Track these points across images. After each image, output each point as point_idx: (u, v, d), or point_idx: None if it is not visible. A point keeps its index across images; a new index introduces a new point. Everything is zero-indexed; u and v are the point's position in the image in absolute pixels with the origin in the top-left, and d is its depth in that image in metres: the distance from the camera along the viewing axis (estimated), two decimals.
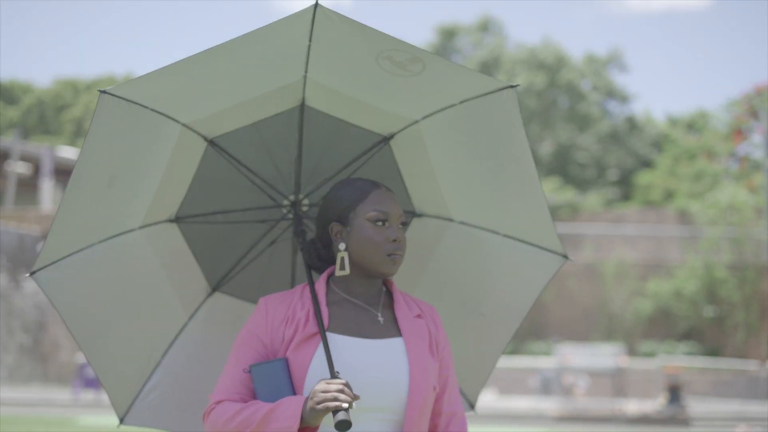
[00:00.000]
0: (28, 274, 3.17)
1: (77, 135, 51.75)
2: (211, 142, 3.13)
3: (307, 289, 2.84)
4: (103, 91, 2.81)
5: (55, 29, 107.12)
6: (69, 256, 3.14)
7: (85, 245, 3.15)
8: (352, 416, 2.52)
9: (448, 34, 50.62)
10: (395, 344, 2.75)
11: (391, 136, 3.20)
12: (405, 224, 2.86)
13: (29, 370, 28.62)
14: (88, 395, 23.70)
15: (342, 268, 2.79)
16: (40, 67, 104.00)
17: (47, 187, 33.79)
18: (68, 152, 38.25)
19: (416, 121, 3.13)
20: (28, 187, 37.03)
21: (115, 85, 2.85)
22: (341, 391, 2.50)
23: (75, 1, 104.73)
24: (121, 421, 3.41)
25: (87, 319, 3.28)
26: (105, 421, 17.84)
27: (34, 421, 17.08)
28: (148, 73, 2.78)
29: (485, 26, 50.93)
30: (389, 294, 2.89)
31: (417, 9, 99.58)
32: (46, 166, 33.65)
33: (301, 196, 3.25)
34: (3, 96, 55.30)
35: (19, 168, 35.34)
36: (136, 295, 3.32)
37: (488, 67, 46.28)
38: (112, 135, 2.93)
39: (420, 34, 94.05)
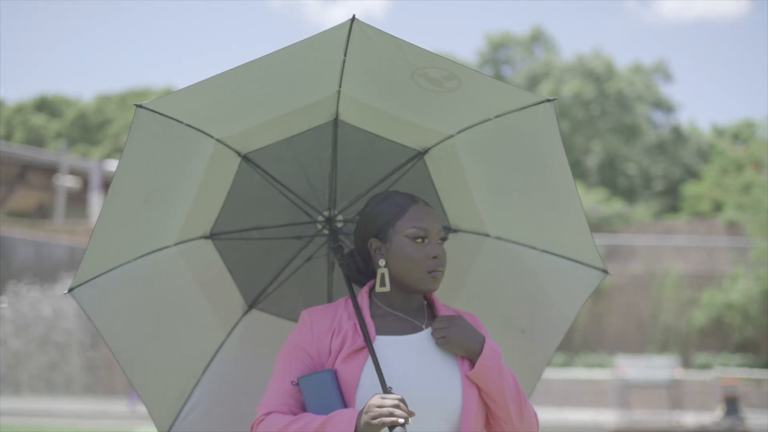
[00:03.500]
0: (65, 292, 3.14)
1: (118, 150, 52.23)
2: (245, 158, 3.10)
3: (350, 302, 2.82)
4: (139, 106, 2.79)
5: (96, 44, 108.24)
6: (106, 272, 3.12)
7: (121, 262, 3.13)
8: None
9: (498, 45, 50.62)
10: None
11: (426, 151, 3.16)
12: (444, 239, 2.82)
13: (86, 382, 28.80)
14: (144, 407, 23.65)
15: (383, 284, 2.77)
16: (81, 81, 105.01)
17: (96, 201, 34.05)
18: (115, 166, 38.42)
19: (451, 136, 3.08)
20: (78, 201, 37.37)
21: (150, 99, 2.84)
22: (396, 407, 2.48)
23: (113, 18, 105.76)
24: None
25: (125, 336, 3.26)
26: None
27: None
28: (183, 88, 2.78)
29: (536, 37, 50.85)
30: (430, 306, 2.87)
31: (467, 14, 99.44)
32: (95, 180, 33.92)
33: (335, 212, 3.22)
34: (47, 109, 55.94)
35: (68, 182, 35.66)
36: (172, 313, 3.30)
37: (538, 78, 46.21)
38: (148, 150, 2.92)
39: (470, 41, 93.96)
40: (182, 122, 2.88)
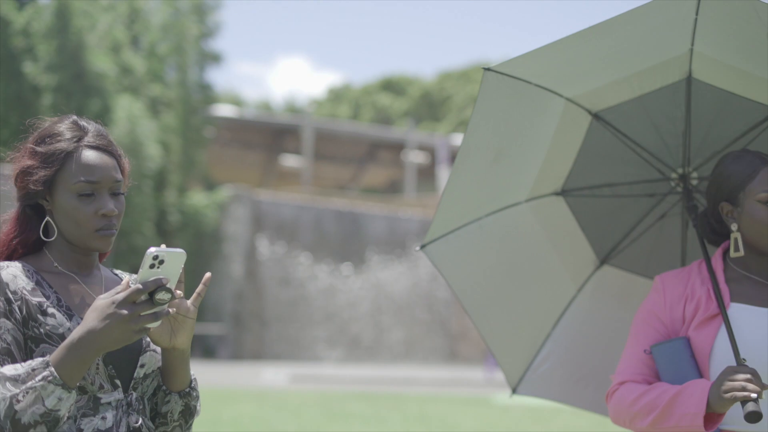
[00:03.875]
0: (417, 248, 3.36)
1: (461, 124, 53.26)
2: (596, 116, 3.14)
3: (704, 265, 2.78)
4: (488, 69, 2.89)
5: (436, 23, 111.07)
6: (457, 229, 3.29)
7: (472, 219, 3.28)
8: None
9: None
10: None
11: None
12: None
13: (443, 350, 29.71)
14: (501, 374, 23.89)
15: (736, 249, 2.71)
16: (422, 60, 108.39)
17: (443, 175, 34.93)
18: (460, 140, 39.23)
19: None
20: (426, 175, 38.55)
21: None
22: (749, 381, 2.41)
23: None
24: (514, 391, 3.51)
25: (476, 290, 3.42)
26: (520, 401, 17.98)
27: (449, 401, 17.55)
28: (529, 52, 2.84)
29: None
30: None
31: None
32: (442, 154, 34.78)
33: (689, 170, 3.17)
34: (392, 89, 58.15)
35: (416, 158, 36.85)
36: (524, 267, 3.41)
37: None
38: (496, 111, 3.03)
39: None
40: (531, 83, 2.98)
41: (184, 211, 27.51)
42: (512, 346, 3.49)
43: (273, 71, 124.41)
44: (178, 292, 2.11)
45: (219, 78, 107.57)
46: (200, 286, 2.18)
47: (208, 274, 2.19)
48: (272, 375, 21.92)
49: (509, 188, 3.27)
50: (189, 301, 2.18)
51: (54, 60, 26.03)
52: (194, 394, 2.30)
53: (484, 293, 3.42)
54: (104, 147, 2.23)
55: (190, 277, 2.04)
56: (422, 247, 3.32)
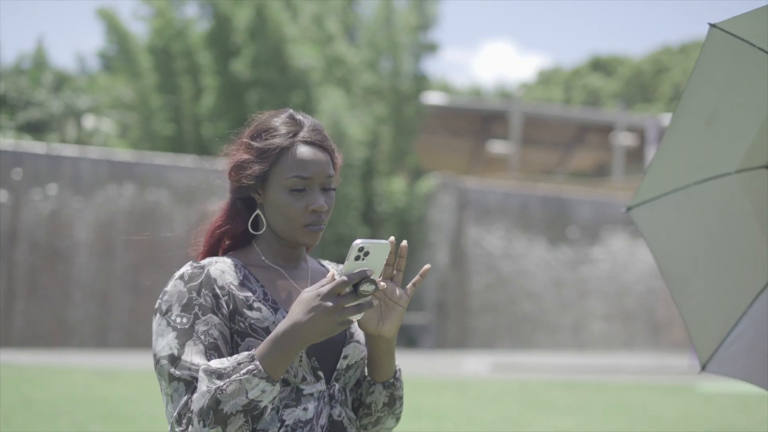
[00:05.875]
0: (623, 210, 3.29)
1: (674, 99, 51.60)
2: None
3: None
4: (713, 25, 2.71)
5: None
6: (664, 195, 3.17)
7: (680, 185, 3.15)
8: None
9: None
10: None
11: None
12: None
13: (644, 337, 29.11)
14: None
15: None
16: (632, 38, 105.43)
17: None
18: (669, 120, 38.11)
19: None
20: (635, 158, 37.68)
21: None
22: None
23: None
24: (703, 367, 3.36)
25: (676, 258, 3.30)
26: (727, 389, 17.47)
27: (652, 389, 17.23)
28: (758, 8, 2.64)
29: None
30: None
31: None
32: (651, 135, 33.89)
33: None
34: (601, 69, 57.06)
35: (625, 140, 36.09)
36: (726, 241, 3.26)
37: None
38: (717, 71, 2.85)
39: None
40: (754, 45, 2.75)
41: (391, 200, 28.05)
42: (706, 321, 3.37)
43: (478, 57, 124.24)
44: (382, 283, 2.09)
45: (434, 67, 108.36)
46: (417, 277, 2.17)
47: (427, 266, 2.16)
48: (474, 364, 22.02)
49: (720, 156, 3.11)
50: (402, 290, 2.16)
51: (259, 55, 27.11)
52: (398, 384, 2.29)
53: (684, 264, 3.32)
54: (319, 142, 2.23)
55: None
56: (628, 209, 3.23)
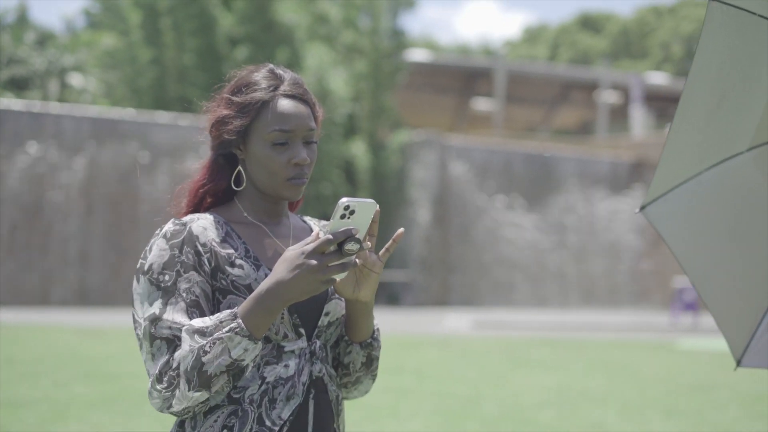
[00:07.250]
0: (637, 210, 3.11)
1: (664, 60, 51.47)
2: None
3: None
4: None
5: None
6: (676, 187, 3.02)
7: (692, 174, 2.99)
8: None
9: None
10: None
11: None
12: None
13: (625, 295, 29.30)
14: (687, 319, 23.65)
15: None
16: None
17: (637, 115, 34.07)
18: (656, 78, 38.21)
19: None
20: (618, 115, 37.68)
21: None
22: None
23: None
24: (738, 363, 3.17)
25: (698, 252, 3.14)
26: (704, 345, 17.60)
27: (632, 346, 17.36)
28: None
29: None
30: None
31: None
32: (635, 94, 33.88)
33: None
34: (590, 27, 56.82)
35: (609, 97, 36.06)
36: (746, 226, 3.09)
37: None
38: (722, 47, 2.71)
39: None
40: (755, 14, 2.65)
41: (372, 155, 27.98)
42: (736, 314, 3.21)
43: (461, 14, 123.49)
44: (367, 243, 2.06)
45: (414, 24, 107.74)
46: (390, 242, 2.15)
47: (400, 231, 2.11)
48: (455, 321, 22.10)
49: (731, 137, 2.95)
50: (376, 256, 2.15)
51: (246, 11, 26.93)
52: (376, 344, 2.29)
53: (705, 256, 3.18)
54: (299, 95, 2.21)
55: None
56: (642, 208, 3.10)
